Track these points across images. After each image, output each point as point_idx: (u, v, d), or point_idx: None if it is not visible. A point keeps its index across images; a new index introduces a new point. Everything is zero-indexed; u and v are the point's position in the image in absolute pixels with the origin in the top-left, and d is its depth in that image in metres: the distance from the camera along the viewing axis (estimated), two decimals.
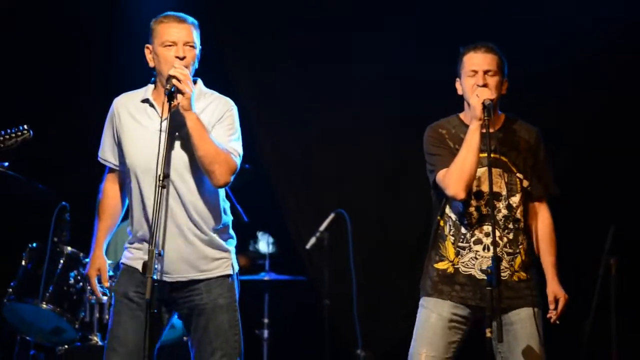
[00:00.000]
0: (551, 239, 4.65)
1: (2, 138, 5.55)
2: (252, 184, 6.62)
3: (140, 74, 4.52)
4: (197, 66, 4.38)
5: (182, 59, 4.25)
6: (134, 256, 4.42)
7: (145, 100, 4.38)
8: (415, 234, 6.95)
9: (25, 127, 5.61)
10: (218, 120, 4.34)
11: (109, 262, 5.85)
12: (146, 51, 4.38)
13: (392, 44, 7.15)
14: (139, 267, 4.26)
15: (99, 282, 4.57)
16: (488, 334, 4.24)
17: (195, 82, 4.38)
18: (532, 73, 6.50)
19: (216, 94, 4.46)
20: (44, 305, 5.98)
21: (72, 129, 7.13)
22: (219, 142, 4.24)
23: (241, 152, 4.37)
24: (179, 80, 4.15)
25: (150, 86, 4.43)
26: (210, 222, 4.37)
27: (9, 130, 5.57)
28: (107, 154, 4.51)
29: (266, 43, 7.44)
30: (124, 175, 4.46)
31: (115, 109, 4.44)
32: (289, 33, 7.41)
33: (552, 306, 4.57)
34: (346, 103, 7.42)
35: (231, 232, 4.49)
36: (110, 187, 4.57)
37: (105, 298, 5.78)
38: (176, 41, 4.27)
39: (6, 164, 5.91)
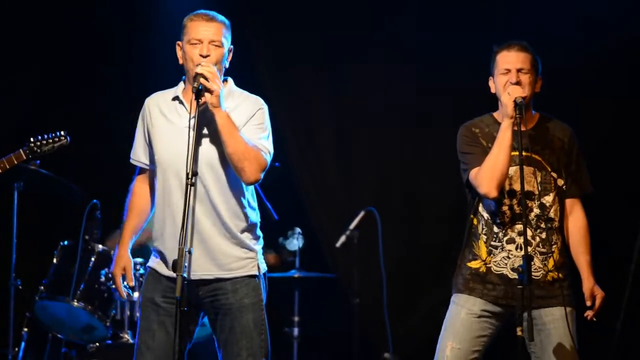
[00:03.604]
0: (585, 238, 4.61)
1: (39, 143, 5.57)
2: (282, 182, 6.61)
3: (176, 74, 4.51)
4: (227, 65, 4.36)
5: (205, 57, 4.23)
6: (160, 259, 4.38)
7: (176, 98, 4.37)
8: (446, 234, 6.92)
9: (63, 133, 5.62)
10: (249, 118, 4.31)
11: (141, 260, 5.90)
12: (177, 48, 4.37)
13: (423, 40, 7.11)
14: (164, 271, 4.30)
15: (124, 281, 4.51)
16: (519, 332, 4.21)
17: (225, 80, 4.37)
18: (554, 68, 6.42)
19: (246, 93, 4.44)
20: (75, 303, 6.02)
21: (104, 127, 7.14)
22: (248, 140, 4.21)
23: (272, 150, 4.34)
24: (206, 79, 4.13)
25: (181, 84, 4.42)
26: (238, 222, 4.32)
27: (46, 136, 5.58)
28: (139, 154, 4.49)
29: (295, 41, 7.42)
30: (153, 174, 4.44)
31: (147, 107, 4.44)
32: (317, 31, 7.38)
33: (588, 303, 4.54)
34: (377, 100, 7.39)
35: (258, 232, 4.44)
36: (139, 187, 4.54)
37: (136, 295, 5.82)
38: (202, 39, 4.25)
39: (38, 162, 5.94)
